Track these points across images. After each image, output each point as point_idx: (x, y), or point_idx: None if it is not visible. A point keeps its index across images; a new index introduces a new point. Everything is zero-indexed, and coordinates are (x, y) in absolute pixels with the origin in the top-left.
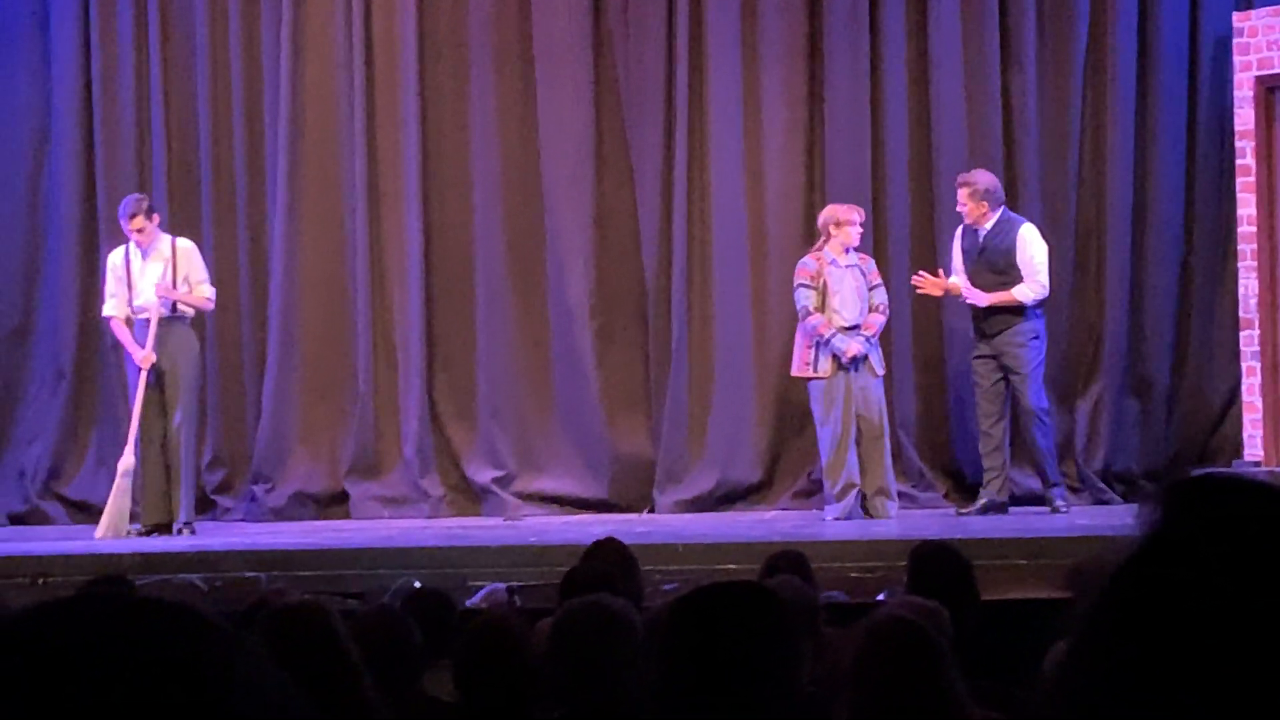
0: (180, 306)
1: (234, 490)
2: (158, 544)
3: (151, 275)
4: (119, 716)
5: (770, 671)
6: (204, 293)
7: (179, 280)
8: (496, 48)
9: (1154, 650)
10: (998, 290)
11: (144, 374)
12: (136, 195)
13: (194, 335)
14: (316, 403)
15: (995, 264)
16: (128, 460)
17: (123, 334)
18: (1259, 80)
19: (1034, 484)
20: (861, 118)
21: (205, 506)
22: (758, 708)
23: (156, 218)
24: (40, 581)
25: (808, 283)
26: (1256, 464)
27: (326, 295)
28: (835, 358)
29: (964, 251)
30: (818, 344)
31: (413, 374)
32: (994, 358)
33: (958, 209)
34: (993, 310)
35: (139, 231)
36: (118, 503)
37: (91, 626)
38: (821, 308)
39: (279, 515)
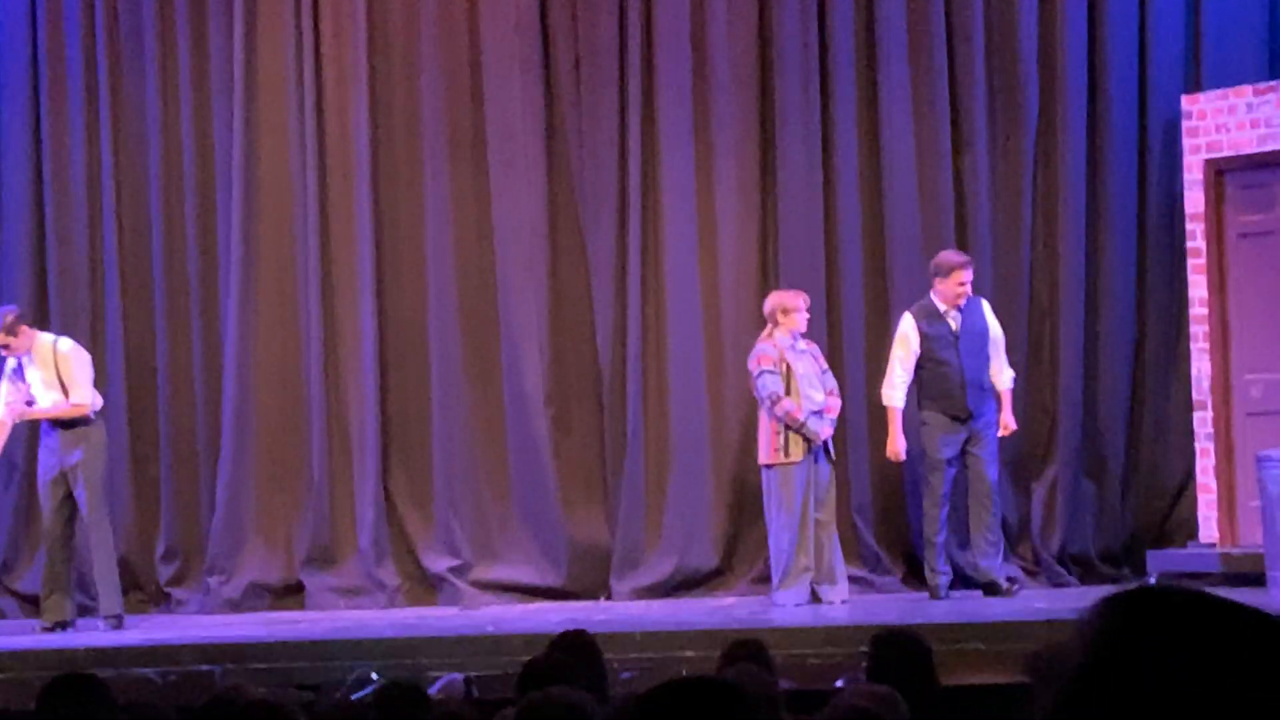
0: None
1: (188, 582)
2: (112, 638)
3: (35, 378)
4: None
5: None
6: (76, 398)
7: (64, 379)
8: (449, 136)
9: None
10: (985, 369)
11: None
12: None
13: (100, 428)
14: (271, 493)
15: (980, 345)
16: None
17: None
18: (1208, 163)
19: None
20: (814, 202)
21: (159, 599)
22: None
23: (23, 329)
24: None
25: (771, 368)
26: (1211, 545)
27: (280, 384)
28: (805, 442)
29: (936, 337)
30: (787, 429)
31: (368, 463)
32: (966, 441)
33: (967, 288)
34: (979, 394)
35: (5, 348)
36: None
37: None
38: (787, 392)
39: (234, 607)
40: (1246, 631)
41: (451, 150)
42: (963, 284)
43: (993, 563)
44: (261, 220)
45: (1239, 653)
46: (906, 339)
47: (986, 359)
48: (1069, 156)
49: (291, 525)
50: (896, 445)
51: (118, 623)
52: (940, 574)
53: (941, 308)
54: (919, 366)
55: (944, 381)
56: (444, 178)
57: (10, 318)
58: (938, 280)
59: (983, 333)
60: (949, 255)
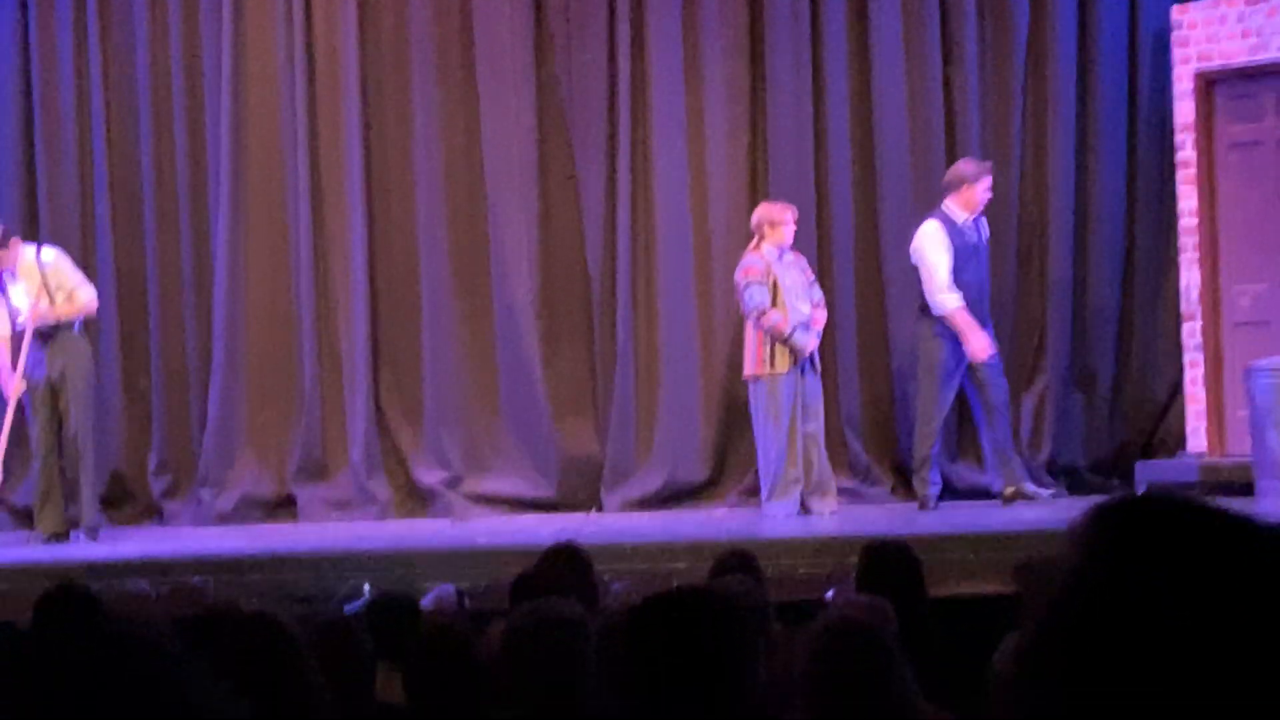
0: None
1: (181, 495)
2: (105, 550)
3: (22, 291)
4: None
5: (725, 678)
6: (81, 298)
7: (53, 290)
8: (438, 50)
9: (1095, 667)
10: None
11: (14, 401)
12: None
13: (84, 342)
14: (262, 407)
15: (985, 256)
16: None
17: (1, 358)
18: (1198, 74)
19: (978, 478)
20: (804, 115)
21: (152, 512)
22: (713, 712)
23: (14, 241)
24: None
25: (758, 280)
26: (1199, 456)
27: (271, 299)
28: (790, 354)
29: (959, 248)
30: (773, 341)
31: (358, 377)
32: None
33: (987, 196)
34: (988, 306)
35: None
36: None
37: (52, 657)
38: (773, 304)
39: (226, 520)
40: (1237, 538)
41: (440, 66)
42: (988, 190)
43: (1023, 471)
44: (250, 137)
45: (1230, 560)
46: (942, 243)
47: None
48: (1059, 67)
49: (283, 438)
50: (980, 341)
51: (93, 535)
52: (932, 485)
53: (961, 218)
54: None
55: (963, 292)
56: (433, 92)
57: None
58: (964, 188)
59: (986, 245)
60: (970, 164)
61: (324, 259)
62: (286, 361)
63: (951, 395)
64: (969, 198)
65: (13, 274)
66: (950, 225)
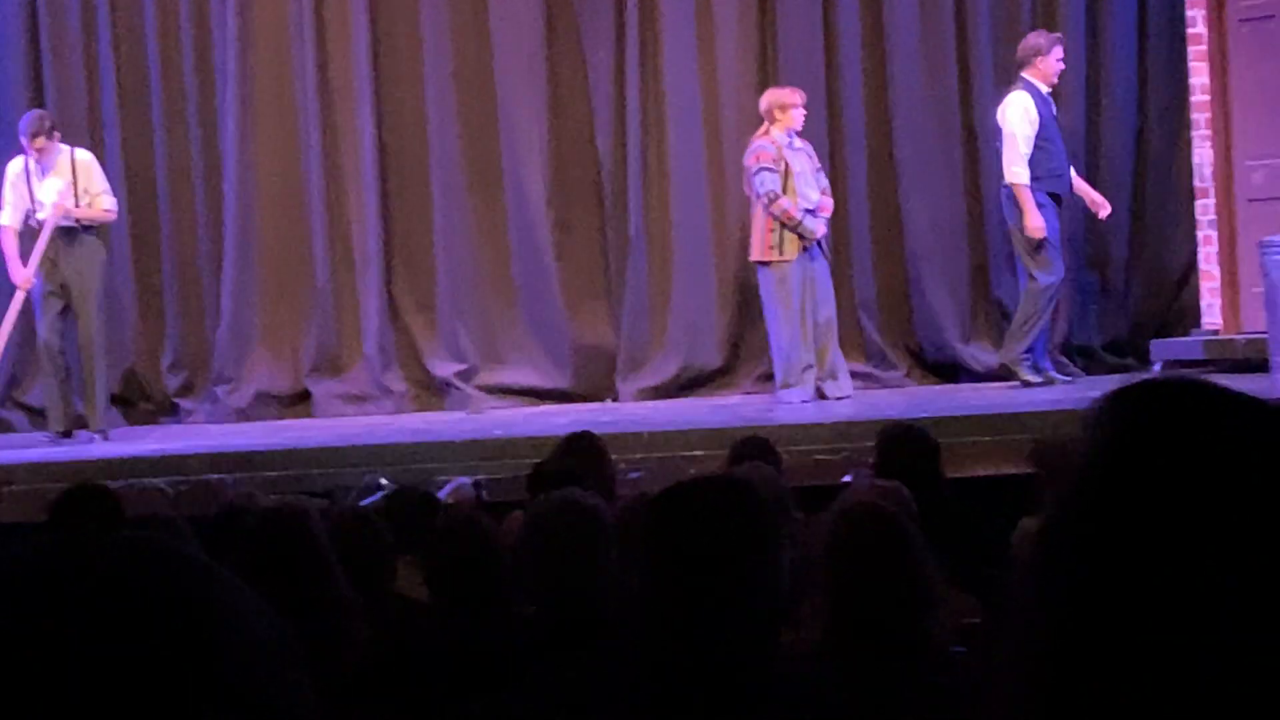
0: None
1: (196, 392)
2: (121, 449)
3: (51, 187)
4: (105, 662)
5: (749, 566)
6: (103, 204)
7: (79, 193)
8: None
9: (1114, 550)
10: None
11: (20, 292)
12: (38, 113)
13: (99, 245)
14: (276, 302)
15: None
16: None
17: (9, 247)
18: None
19: (994, 359)
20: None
21: (167, 410)
22: (737, 602)
23: (58, 135)
24: (5, 489)
25: (770, 165)
26: (1214, 332)
27: (282, 193)
28: (799, 240)
29: (1044, 117)
30: (783, 226)
31: (371, 270)
32: None
33: (1060, 66)
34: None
35: (39, 151)
36: None
37: (74, 570)
38: (783, 190)
39: (242, 416)
40: (1256, 421)
41: None
42: (1060, 60)
43: (1048, 364)
44: (258, 26)
45: (1249, 443)
46: (1029, 114)
47: None
48: None
49: (297, 333)
50: (1037, 221)
51: (105, 436)
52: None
53: (1044, 88)
54: None
55: (1052, 160)
56: None
57: (47, 121)
58: (1038, 60)
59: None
60: (1040, 35)
61: (334, 152)
62: (299, 256)
63: (1061, 273)
64: (1044, 69)
65: (44, 169)
66: (1038, 96)
